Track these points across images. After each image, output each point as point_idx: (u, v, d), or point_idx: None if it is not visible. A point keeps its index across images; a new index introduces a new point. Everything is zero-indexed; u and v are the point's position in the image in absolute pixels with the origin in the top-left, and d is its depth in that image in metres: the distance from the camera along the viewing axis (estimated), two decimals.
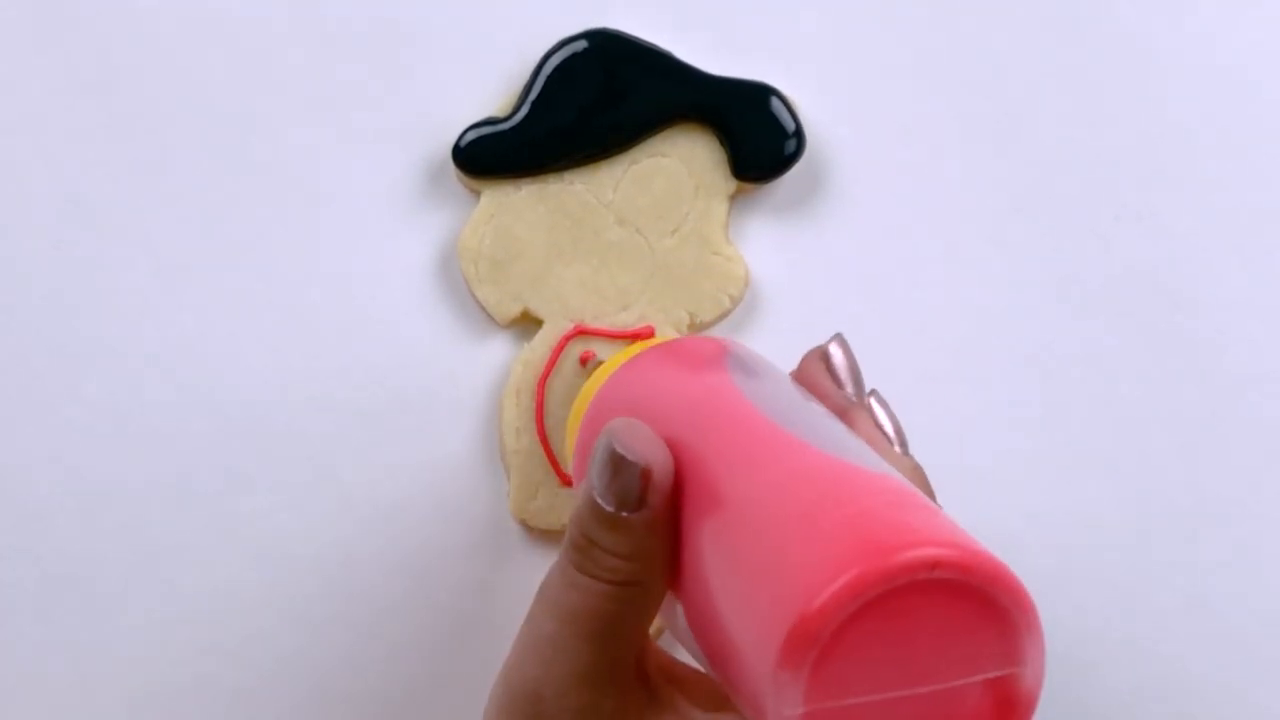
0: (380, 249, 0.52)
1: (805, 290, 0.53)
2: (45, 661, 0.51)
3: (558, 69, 0.51)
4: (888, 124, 0.53)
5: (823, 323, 0.50)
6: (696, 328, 0.52)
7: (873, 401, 0.44)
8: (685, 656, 0.43)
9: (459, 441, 0.52)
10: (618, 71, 0.51)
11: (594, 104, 0.51)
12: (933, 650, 0.34)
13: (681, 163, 0.52)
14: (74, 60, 0.52)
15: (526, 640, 0.40)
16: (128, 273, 0.52)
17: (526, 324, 0.52)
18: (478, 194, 0.52)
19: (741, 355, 0.45)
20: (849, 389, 0.44)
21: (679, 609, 0.40)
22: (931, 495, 0.41)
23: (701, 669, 0.41)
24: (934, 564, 0.33)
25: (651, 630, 0.42)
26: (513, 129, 0.51)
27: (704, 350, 0.45)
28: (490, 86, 0.52)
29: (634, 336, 0.51)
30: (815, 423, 0.41)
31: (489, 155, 0.51)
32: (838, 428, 0.41)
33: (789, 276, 0.53)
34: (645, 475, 0.39)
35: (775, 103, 0.52)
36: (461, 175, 0.52)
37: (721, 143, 0.52)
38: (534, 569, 0.52)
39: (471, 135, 0.51)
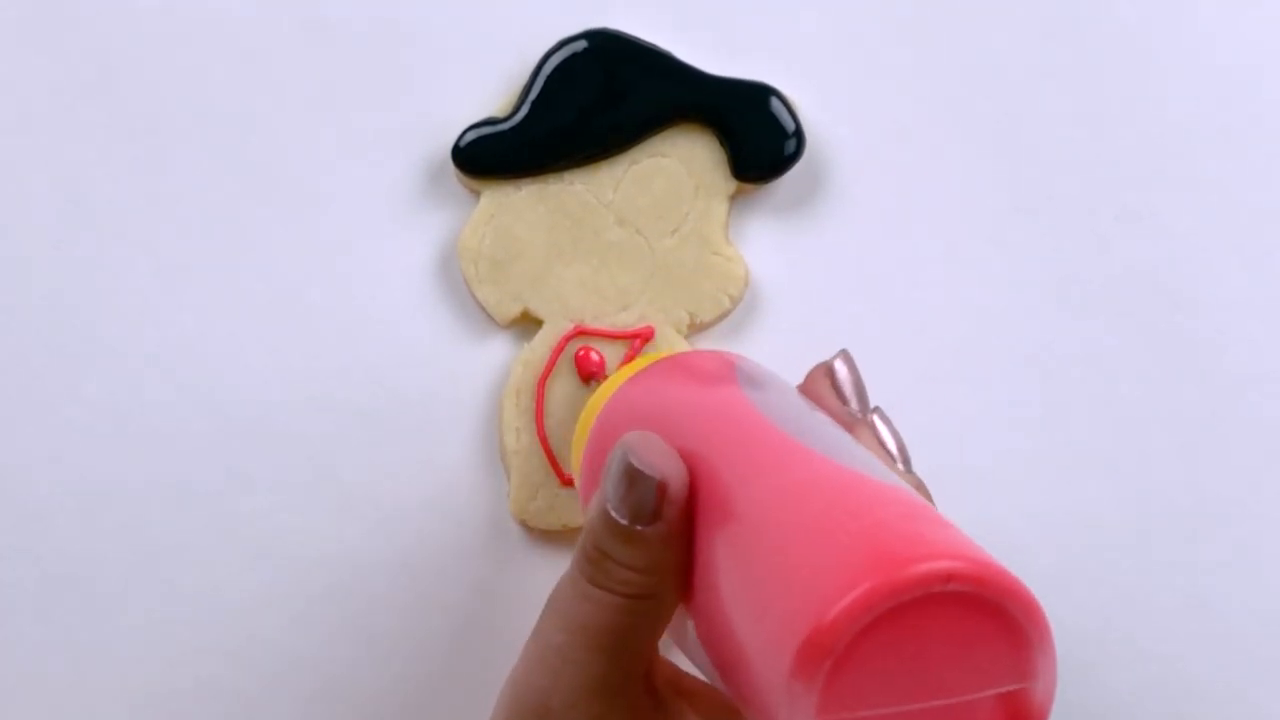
0: (380, 249, 0.52)
1: (805, 290, 0.53)
2: (45, 661, 0.51)
3: (558, 69, 0.51)
4: (888, 124, 0.53)
5: (823, 323, 0.51)
6: (696, 328, 0.52)
7: (876, 419, 0.44)
8: (691, 669, 0.43)
9: (459, 442, 0.52)
10: (618, 71, 0.51)
11: (594, 104, 0.51)
12: (945, 663, 0.34)
13: (681, 163, 0.52)
14: (74, 60, 0.52)
15: (534, 651, 0.40)
16: (128, 273, 0.52)
17: (526, 324, 0.52)
18: (478, 194, 0.52)
19: (749, 368, 0.45)
20: (853, 405, 0.44)
21: (688, 621, 0.39)
22: None
23: (709, 681, 0.41)
24: (949, 577, 0.33)
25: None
26: (513, 129, 0.51)
27: (712, 363, 0.45)
28: (490, 86, 0.52)
29: (634, 336, 0.51)
30: (826, 434, 0.40)
31: (489, 155, 0.51)
32: (847, 439, 0.41)
33: (789, 276, 0.53)
34: (661, 489, 0.38)
35: (775, 103, 0.52)
36: (461, 175, 0.52)
37: (721, 143, 0.52)
38: (534, 569, 0.52)
39: (471, 135, 0.51)
